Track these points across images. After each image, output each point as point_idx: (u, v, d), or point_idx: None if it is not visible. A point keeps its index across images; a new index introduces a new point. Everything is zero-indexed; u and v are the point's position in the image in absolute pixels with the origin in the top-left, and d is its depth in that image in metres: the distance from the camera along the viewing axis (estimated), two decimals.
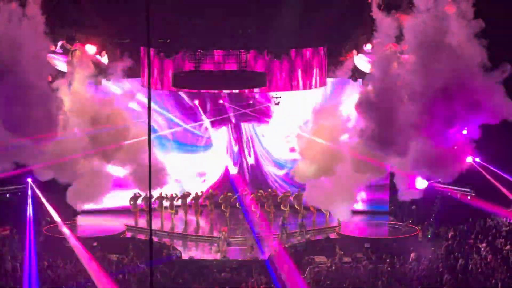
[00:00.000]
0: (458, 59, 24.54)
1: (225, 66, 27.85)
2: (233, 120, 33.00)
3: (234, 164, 33.54)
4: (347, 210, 28.73)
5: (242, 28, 27.78)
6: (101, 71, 29.21)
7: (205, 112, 32.71)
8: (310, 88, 30.45)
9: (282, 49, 28.79)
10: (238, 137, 33.47)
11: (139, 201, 30.74)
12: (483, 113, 24.80)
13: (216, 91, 30.97)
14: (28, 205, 27.85)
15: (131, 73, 29.87)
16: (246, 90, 30.88)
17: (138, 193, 30.54)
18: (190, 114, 32.69)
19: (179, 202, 31.15)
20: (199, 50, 27.73)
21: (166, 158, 31.68)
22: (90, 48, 28.64)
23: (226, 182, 32.98)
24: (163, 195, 30.72)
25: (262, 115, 32.66)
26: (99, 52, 28.98)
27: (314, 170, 29.37)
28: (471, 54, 24.39)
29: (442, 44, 24.60)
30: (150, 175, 14.06)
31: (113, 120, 28.83)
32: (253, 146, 33.50)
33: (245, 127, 33.34)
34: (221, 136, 33.47)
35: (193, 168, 33.27)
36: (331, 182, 28.86)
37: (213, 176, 33.62)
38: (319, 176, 29.21)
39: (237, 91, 30.81)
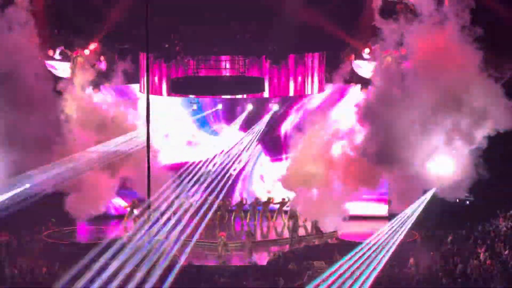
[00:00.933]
0: (458, 65, 24.58)
1: (223, 71, 27.90)
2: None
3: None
4: (335, 221, 28.58)
5: (241, 34, 27.86)
6: (100, 76, 29.28)
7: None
8: (309, 94, 30.51)
9: (281, 55, 28.85)
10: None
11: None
12: (489, 121, 24.83)
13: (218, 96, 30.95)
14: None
15: (130, 79, 29.95)
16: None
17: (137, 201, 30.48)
18: None
19: None
20: (198, 56, 27.80)
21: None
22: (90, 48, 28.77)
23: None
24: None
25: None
26: (98, 58, 29.04)
27: (303, 179, 29.34)
28: (471, 60, 24.45)
29: (442, 50, 24.64)
30: (149, 179, 14.16)
31: (118, 127, 28.99)
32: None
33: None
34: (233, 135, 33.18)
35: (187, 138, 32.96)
36: (320, 192, 28.92)
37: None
38: (307, 184, 29.21)
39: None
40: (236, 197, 32.69)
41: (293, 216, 29.57)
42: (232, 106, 32.41)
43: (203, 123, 32.71)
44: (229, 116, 32.55)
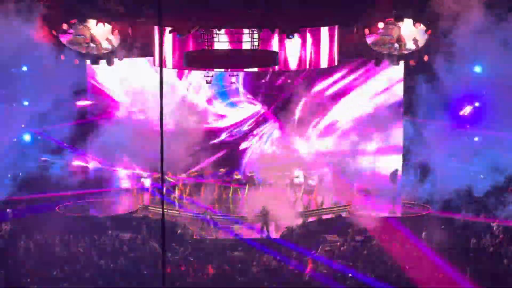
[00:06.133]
0: None
1: (237, 45, 27.77)
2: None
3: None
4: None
5: (254, 6, 27.67)
6: (113, 50, 29.23)
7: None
8: (319, 66, 30.37)
9: (294, 28, 28.67)
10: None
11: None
12: None
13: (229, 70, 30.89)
14: None
15: (143, 52, 29.97)
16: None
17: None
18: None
19: None
20: (212, 29, 27.68)
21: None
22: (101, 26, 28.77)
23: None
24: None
25: None
26: (111, 31, 28.96)
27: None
28: None
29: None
30: (162, 155, 14.13)
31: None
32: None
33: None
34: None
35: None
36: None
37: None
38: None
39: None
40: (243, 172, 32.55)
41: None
42: (250, 79, 32.62)
43: (222, 94, 32.95)
44: (247, 88, 32.84)
